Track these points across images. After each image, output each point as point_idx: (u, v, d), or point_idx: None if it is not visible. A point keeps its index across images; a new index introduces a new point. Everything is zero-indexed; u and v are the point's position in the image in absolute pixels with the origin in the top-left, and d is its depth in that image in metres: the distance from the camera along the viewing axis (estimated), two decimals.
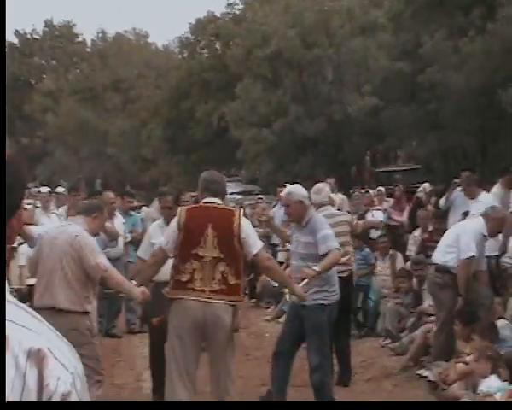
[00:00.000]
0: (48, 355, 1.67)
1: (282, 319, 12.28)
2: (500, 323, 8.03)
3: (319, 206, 8.28)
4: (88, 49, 56.65)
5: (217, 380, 6.07)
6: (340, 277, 7.59)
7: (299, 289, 6.57)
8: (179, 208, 6.35)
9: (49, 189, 13.31)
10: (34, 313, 1.76)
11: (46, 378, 1.65)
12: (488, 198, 11.06)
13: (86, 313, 6.26)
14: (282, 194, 8.16)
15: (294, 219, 7.35)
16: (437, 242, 11.30)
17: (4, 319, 1.68)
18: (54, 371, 1.67)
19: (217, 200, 6.20)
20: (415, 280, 10.67)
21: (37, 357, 1.66)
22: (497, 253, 10.21)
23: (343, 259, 7.98)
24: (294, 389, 7.86)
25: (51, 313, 5.80)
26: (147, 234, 8.19)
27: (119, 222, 10.94)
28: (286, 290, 7.07)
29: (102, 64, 49.63)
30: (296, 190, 7.47)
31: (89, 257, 6.22)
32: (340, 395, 7.87)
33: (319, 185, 8.73)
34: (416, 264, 10.71)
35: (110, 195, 10.77)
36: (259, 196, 18.45)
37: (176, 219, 6.17)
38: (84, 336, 6.19)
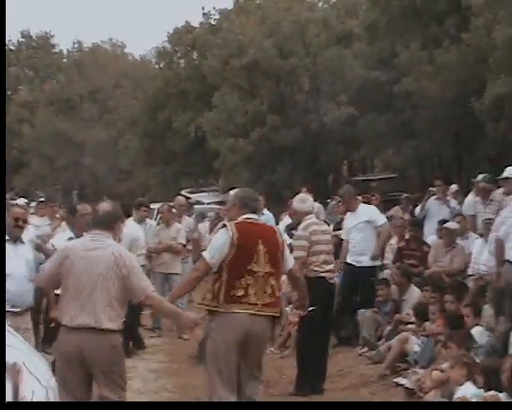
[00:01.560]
0: (23, 369, 1.69)
1: None
2: (476, 330, 8.09)
3: (306, 214, 8.47)
4: (64, 60, 56.44)
5: (248, 382, 6.41)
6: (329, 283, 8.13)
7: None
8: (228, 224, 6.41)
9: (25, 200, 13.28)
10: (8, 327, 1.78)
11: (21, 392, 1.67)
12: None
13: (120, 330, 6.09)
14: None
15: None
16: (413, 250, 11.41)
17: (4, 320, 1.70)
18: (28, 384, 1.69)
19: (255, 216, 6.58)
20: (394, 288, 10.72)
21: (12, 371, 1.68)
22: None
23: (330, 266, 8.38)
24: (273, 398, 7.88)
25: (90, 332, 5.68)
26: None
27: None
28: None
29: (79, 74, 49.48)
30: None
31: (136, 278, 5.88)
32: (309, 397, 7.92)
33: (303, 195, 9.01)
34: (397, 270, 10.77)
35: (86, 207, 10.86)
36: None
37: (227, 234, 6.30)
38: (122, 354, 6.10)
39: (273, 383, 8.94)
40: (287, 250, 6.65)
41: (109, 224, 6.11)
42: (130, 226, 10.66)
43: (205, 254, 6.41)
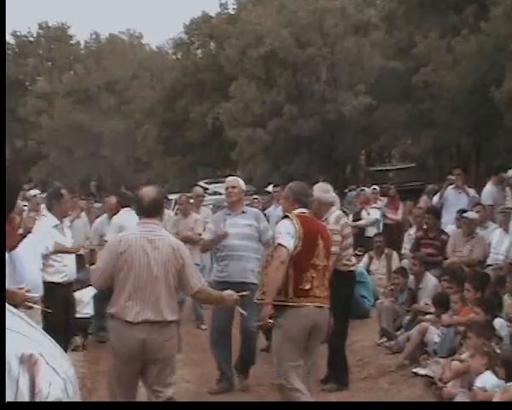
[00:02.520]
0: (40, 361, 1.66)
1: None
2: (496, 321, 8.03)
3: (330, 205, 8.25)
4: (82, 51, 56.59)
5: (309, 370, 6.55)
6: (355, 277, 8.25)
7: None
8: (290, 216, 6.40)
9: (38, 191, 13.31)
10: (26, 318, 1.75)
11: (38, 384, 1.65)
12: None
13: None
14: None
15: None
16: (431, 239, 11.34)
17: (4, 320, 1.68)
18: (45, 376, 1.66)
19: (307, 211, 6.60)
20: (411, 278, 10.66)
21: (29, 363, 1.65)
22: None
23: (354, 260, 8.53)
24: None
25: (155, 325, 5.61)
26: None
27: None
28: None
29: (96, 65, 49.62)
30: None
31: (190, 270, 5.79)
32: (337, 393, 7.87)
33: (323, 184, 8.76)
34: (414, 260, 10.71)
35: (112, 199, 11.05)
36: (254, 196, 18.43)
37: (293, 226, 6.31)
38: (176, 345, 6.05)
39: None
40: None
41: (160, 211, 5.93)
42: (122, 215, 10.67)
43: (281, 241, 6.29)
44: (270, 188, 16.42)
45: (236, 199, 8.60)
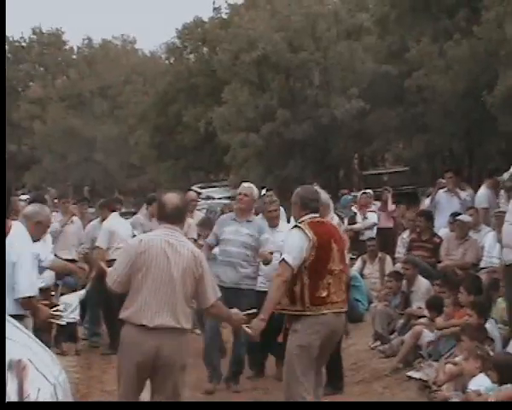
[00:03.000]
0: (28, 366, 1.64)
1: None
2: (488, 324, 8.03)
3: (329, 207, 8.18)
4: (74, 56, 56.53)
5: (320, 377, 6.56)
6: None
7: None
8: (302, 225, 6.30)
9: (27, 196, 13.27)
10: (15, 321, 1.72)
11: (26, 390, 1.62)
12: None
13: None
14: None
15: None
16: (424, 241, 11.34)
17: (4, 320, 1.65)
18: (34, 382, 1.63)
19: (318, 215, 6.50)
20: (404, 282, 10.66)
21: (17, 368, 1.62)
22: None
23: None
24: None
25: (170, 332, 5.43)
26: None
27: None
28: None
29: (89, 70, 49.56)
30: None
31: (208, 281, 5.64)
32: (331, 397, 7.86)
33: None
34: (405, 263, 10.70)
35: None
36: None
37: (303, 235, 6.22)
38: (188, 355, 5.86)
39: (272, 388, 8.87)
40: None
41: (182, 219, 5.80)
42: (111, 220, 10.73)
43: (285, 257, 6.21)
44: (263, 192, 16.39)
45: (245, 207, 8.74)
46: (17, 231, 5.53)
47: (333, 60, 27.54)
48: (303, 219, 6.38)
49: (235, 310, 6.07)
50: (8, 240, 5.05)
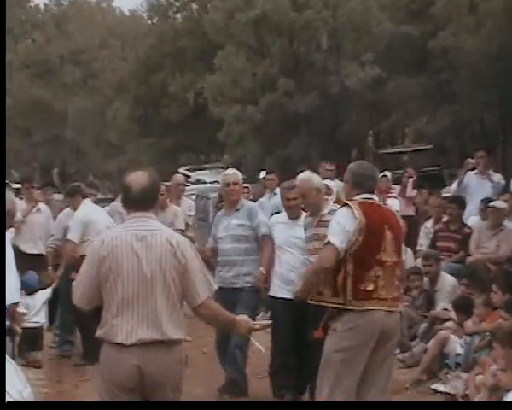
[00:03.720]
0: None
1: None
2: None
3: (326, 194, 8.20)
4: (41, 16, 56.38)
5: (373, 385, 6.38)
6: None
7: None
8: (350, 204, 6.27)
9: None
10: None
11: None
12: None
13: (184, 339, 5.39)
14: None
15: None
16: (452, 232, 11.33)
17: (4, 322, 1.65)
18: None
19: (374, 196, 6.47)
20: (426, 279, 10.66)
21: None
22: None
23: None
24: None
25: (154, 347, 5.08)
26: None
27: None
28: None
29: (59, 33, 49.43)
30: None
31: (195, 274, 5.21)
32: None
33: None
34: (426, 259, 10.69)
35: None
36: (245, 184, 18.39)
37: (352, 216, 6.20)
38: (184, 368, 5.42)
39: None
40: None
41: (153, 202, 5.36)
42: (84, 208, 10.70)
43: (331, 239, 6.19)
44: (262, 174, 16.37)
45: (237, 198, 8.78)
46: None
47: (343, 19, 27.46)
48: (355, 198, 6.36)
49: (243, 316, 5.67)
50: None
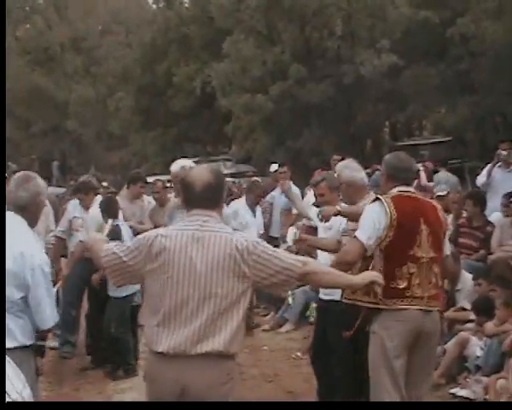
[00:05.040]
0: None
1: (283, 329, 12.30)
2: None
3: (364, 189, 7.87)
4: (41, 1, 56.46)
5: (414, 386, 6.38)
6: None
7: None
8: (382, 198, 6.26)
9: None
10: None
11: None
12: None
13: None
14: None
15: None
16: (474, 228, 11.31)
17: (4, 320, 1.65)
18: None
19: (411, 189, 6.45)
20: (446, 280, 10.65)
21: None
22: None
23: None
24: None
25: (200, 360, 4.79)
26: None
27: None
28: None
29: (59, 18, 49.47)
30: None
31: (280, 258, 4.88)
32: None
33: (349, 161, 8.24)
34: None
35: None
36: (255, 178, 18.43)
37: (382, 210, 6.19)
38: (233, 385, 5.00)
39: (301, 394, 8.91)
40: (447, 232, 6.64)
41: (218, 201, 5.12)
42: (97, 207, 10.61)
43: (358, 233, 6.18)
44: (274, 168, 16.37)
45: None
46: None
47: (358, 4, 27.46)
48: (390, 192, 6.36)
49: (370, 273, 5.72)
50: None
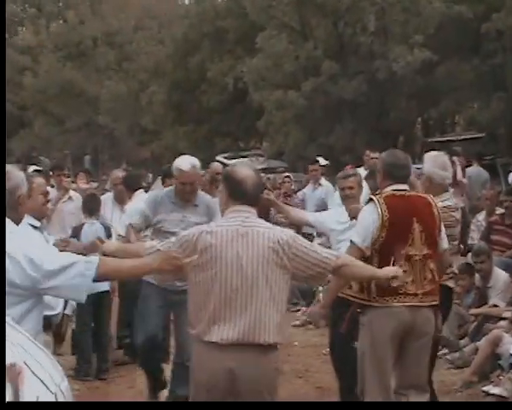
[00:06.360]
0: (24, 370, 1.65)
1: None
2: None
3: (445, 188, 7.56)
4: None
5: (411, 384, 6.51)
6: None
7: None
8: (375, 199, 6.35)
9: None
10: (9, 320, 1.74)
11: (23, 398, 1.63)
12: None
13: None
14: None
15: None
16: (508, 226, 11.27)
17: (4, 320, 1.67)
18: (31, 389, 1.65)
19: (406, 187, 6.50)
20: (477, 276, 10.61)
21: (11, 373, 1.64)
22: None
23: None
24: None
25: (250, 350, 5.17)
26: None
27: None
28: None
29: (92, 13, 49.63)
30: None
31: (314, 251, 5.30)
32: None
33: (440, 155, 8.00)
34: (477, 255, 10.62)
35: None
36: (286, 173, 18.43)
37: (375, 211, 6.29)
38: (279, 375, 5.61)
39: (330, 390, 8.90)
40: (443, 226, 6.62)
41: (259, 198, 5.52)
42: (140, 201, 10.52)
43: (353, 238, 6.32)
44: (321, 161, 16.39)
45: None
46: None
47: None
48: (385, 190, 6.44)
49: (391, 268, 5.90)
50: None
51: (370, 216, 6.31)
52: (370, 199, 6.45)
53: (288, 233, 5.36)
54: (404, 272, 6.17)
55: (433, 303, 6.46)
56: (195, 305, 5.27)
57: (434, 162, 7.40)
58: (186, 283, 7.08)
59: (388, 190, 6.42)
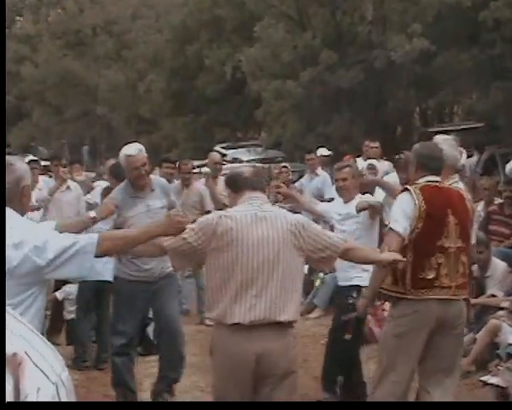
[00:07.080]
0: (25, 361, 1.65)
1: (312, 315, 12.31)
2: None
3: (455, 170, 7.48)
4: None
5: (438, 376, 6.47)
6: None
7: None
8: (411, 189, 6.32)
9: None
10: (9, 309, 1.74)
11: (23, 390, 1.63)
12: None
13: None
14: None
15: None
16: (507, 216, 11.26)
17: (4, 319, 1.66)
18: (33, 380, 1.64)
19: (439, 179, 6.48)
20: (475, 266, 10.61)
21: (12, 363, 1.63)
22: None
23: None
24: None
25: (271, 329, 5.42)
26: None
27: None
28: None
29: (91, 2, 49.49)
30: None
31: (323, 234, 5.66)
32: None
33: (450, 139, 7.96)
34: (477, 245, 10.63)
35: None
36: (284, 163, 18.44)
37: (412, 201, 6.25)
38: (295, 352, 5.89)
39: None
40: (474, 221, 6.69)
41: (264, 184, 5.89)
42: None
43: (393, 225, 6.26)
44: (323, 152, 16.39)
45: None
46: None
47: None
48: (418, 182, 6.40)
49: (389, 253, 5.97)
50: None
51: (408, 205, 6.25)
52: (406, 189, 6.40)
53: (301, 217, 5.77)
54: (440, 264, 6.20)
55: (465, 296, 6.48)
56: (214, 288, 5.44)
57: (447, 144, 7.35)
58: (165, 269, 7.53)
59: (422, 181, 6.39)
